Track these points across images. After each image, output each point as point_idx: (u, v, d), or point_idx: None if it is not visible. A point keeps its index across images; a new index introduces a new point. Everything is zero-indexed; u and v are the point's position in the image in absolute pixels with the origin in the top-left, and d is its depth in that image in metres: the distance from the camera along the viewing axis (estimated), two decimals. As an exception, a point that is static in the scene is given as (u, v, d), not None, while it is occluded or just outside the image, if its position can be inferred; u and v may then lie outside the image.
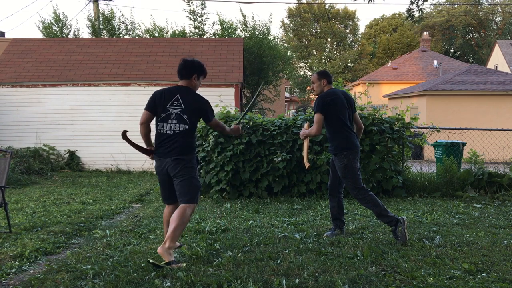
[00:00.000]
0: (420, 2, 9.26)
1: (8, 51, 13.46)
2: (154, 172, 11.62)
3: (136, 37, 19.78)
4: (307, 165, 5.01)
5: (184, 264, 3.93)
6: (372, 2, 8.96)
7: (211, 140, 7.64)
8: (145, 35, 19.77)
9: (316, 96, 4.96)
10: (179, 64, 4.30)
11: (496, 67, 32.55)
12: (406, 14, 9.55)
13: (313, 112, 8.02)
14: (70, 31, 19.97)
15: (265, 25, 18.74)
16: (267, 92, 20.16)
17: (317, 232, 5.15)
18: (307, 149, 5.10)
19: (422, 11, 9.47)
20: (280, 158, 7.40)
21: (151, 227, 5.51)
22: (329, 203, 5.24)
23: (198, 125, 4.63)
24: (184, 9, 20.97)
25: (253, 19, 31.41)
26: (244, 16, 25.03)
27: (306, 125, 5.13)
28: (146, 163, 11.95)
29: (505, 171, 8.29)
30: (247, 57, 16.75)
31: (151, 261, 3.87)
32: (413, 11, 9.34)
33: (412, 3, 9.31)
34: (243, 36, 18.08)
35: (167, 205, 4.38)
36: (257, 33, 18.24)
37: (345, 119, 4.85)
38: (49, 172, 11.19)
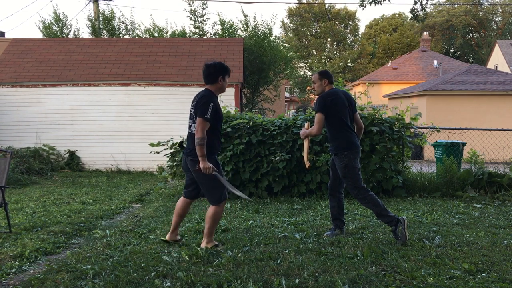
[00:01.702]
0: (424, 2, 9.27)
1: (8, 51, 13.46)
2: (154, 172, 11.65)
3: (136, 37, 19.78)
4: (307, 165, 5.01)
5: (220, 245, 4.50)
6: (376, 3, 8.94)
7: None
8: (144, 35, 19.78)
9: (317, 96, 4.97)
10: (203, 71, 4.46)
11: (496, 67, 32.55)
12: (410, 14, 9.55)
13: (313, 112, 8.07)
14: (70, 31, 19.97)
15: (267, 25, 18.76)
16: (267, 92, 20.15)
17: (317, 232, 5.15)
18: (308, 149, 5.10)
19: (425, 11, 9.47)
20: (278, 158, 7.39)
21: (151, 227, 5.50)
22: (329, 203, 5.23)
23: None
24: (185, 9, 21.02)
25: (254, 19, 31.42)
26: (245, 16, 24.93)
27: (306, 124, 5.12)
28: (145, 163, 11.95)
29: (505, 171, 8.28)
30: (247, 57, 16.75)
31: (201, 248, 4.34)
32: (417, 11, 9.34)
33: (415, 2, 9.31)
34: (244, 36, 18.07)
35: (183, 197, 4.67)
36: (258, 33, 18.24)
37: (345, 119, 4.86)
38: (49, 172, 11.19)
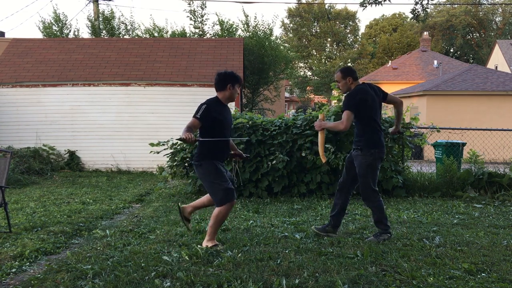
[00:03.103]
0: (425, 2, 9.24)
1: (8, 51, 13.46)
2: (154, 172, 11.65)
3: (136, 37, 19.79)
4: (324, 159, 4.85)
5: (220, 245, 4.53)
6: (376, 4, 8.91)
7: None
8: (144, 35, 19.79)
9: (344, 94, 4.85)
10: (214, 78, 4.64)
11: (496, 67, 32.54)
12: (411, 14, 9.51)
13: (314, 112, 8.08)
14: (70, 31, 20.00)
15: (268, 26, 18.77)
16: (267, 92, 20.16)
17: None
18: (323, 142, 4.87)
19: (426, 11, 9.44)
20: (275, 160, 7.40)
21: (151, 227, 5.50)
22: (334, 199, 5.07)
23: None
24: (185, 10, 21.09)
25: (255, 19, 31.43)
26: (246, 16, 24.67)
27: (321, 116, 4.85)
28: (145, 163, 11.96)
29: (505, 171, 8.28)
30: (248, 57, 16.75)
31: (201, 246, 4.47)
32: (418, 11, 9.31)
33: (416, 3, 9.28)
34: (244, 36, 18.07)
35: None
36: (259, 33, 18.24)
37: (375, 116, 4.75)
38: (49, 172, 11.18)
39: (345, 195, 5.00)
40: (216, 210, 4.46)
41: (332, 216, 5.03)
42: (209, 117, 4.36)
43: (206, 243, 4.50)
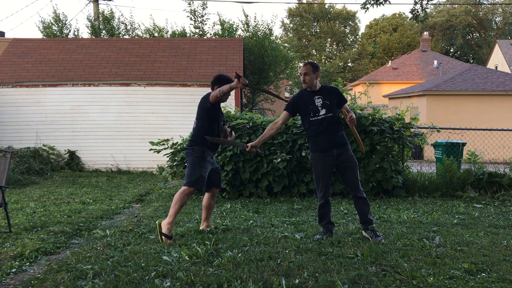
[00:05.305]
0: (424, 2, 9.21)
1: (8, 51, 13.46)
2: (154, 172, 11.64)
3: (136, 37, 19.79)
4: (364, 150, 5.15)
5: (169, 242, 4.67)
6: (377, 5, 8.87)
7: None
8: (144, 35, 19.78)
9: (307, 88, 4.80)
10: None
11: (496, 67, 32.54)
12: (410, 14, 9.49)
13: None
14: (70, 31, 19.98)
15: (268, 26, 18.78)
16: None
17: (317, 232, 5.14)
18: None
19: (426, 11, 9.42)
20: (279, 160, 7.39)
21: (151, 227, 5.50)
22: (321, 210, 4.90)
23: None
24: (185, 9, 21.10)
25: (255, 19, 31.42)
26: (246, 16, 24.56)
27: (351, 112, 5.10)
28: (145, 163, 11.96)
29: (505, 171, 8.27)
30: (248, 57, 16.75)
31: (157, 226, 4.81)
32: (417, 12, 9.28)
33: (416, 3, 9.26)
34: (244, 36, 18.08)
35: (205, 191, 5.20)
36: (259, 33, 18.24)
37: None
38: (49, 172, 11.19)
39: (330, 203, 4.91)
40: (182, 189, 4.78)
41: (327, 224, 4.91)
42: (209, 109, 4.93)
43: (165, 225, 4.71)
